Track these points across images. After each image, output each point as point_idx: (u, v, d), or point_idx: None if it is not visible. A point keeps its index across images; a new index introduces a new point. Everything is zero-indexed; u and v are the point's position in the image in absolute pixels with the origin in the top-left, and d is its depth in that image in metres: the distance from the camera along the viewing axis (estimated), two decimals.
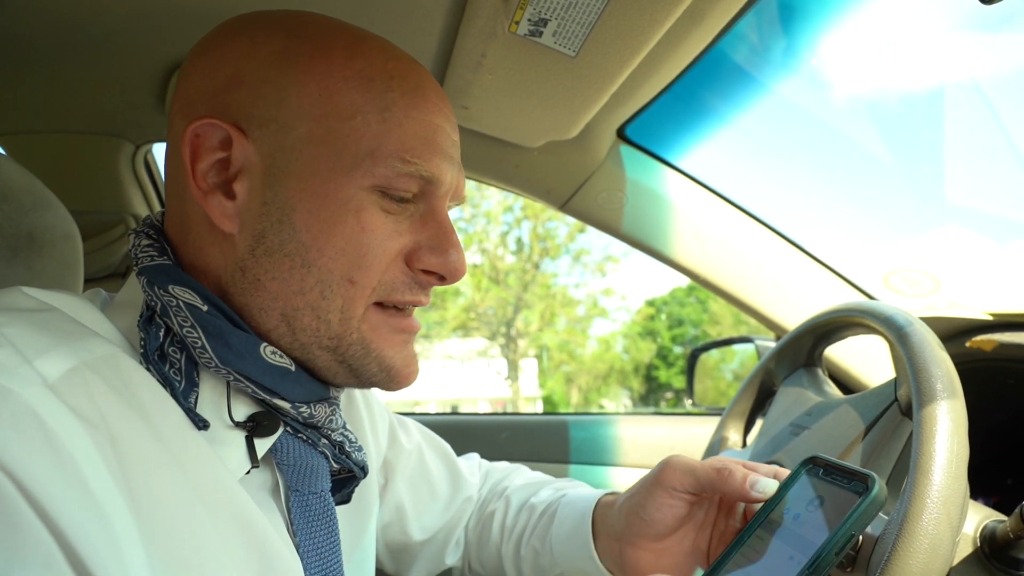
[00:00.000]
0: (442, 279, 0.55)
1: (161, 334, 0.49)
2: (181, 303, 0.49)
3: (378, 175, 0.50)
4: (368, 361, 0.54)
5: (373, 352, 0.54)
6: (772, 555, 0.51)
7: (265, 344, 0.51)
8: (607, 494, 0.74)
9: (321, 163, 0.50)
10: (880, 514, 0.59)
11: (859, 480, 0.51)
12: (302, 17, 0.53)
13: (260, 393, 0.50)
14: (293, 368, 0.52)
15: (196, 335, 0.48)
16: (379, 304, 0.54)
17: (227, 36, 0.52)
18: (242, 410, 0.51)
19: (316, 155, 0.50)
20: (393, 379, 0.56)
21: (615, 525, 0.67)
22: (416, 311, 0.58)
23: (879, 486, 0.49)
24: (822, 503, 0.52)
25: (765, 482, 0.57)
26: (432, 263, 0.54)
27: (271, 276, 0.51)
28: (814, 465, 0.56)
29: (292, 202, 0.50)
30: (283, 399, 0.52)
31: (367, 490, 0.69)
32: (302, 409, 0.53)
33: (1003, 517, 0.63)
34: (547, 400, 21.57)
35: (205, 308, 0.49)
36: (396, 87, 0.51)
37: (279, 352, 0.52)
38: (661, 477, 0.63)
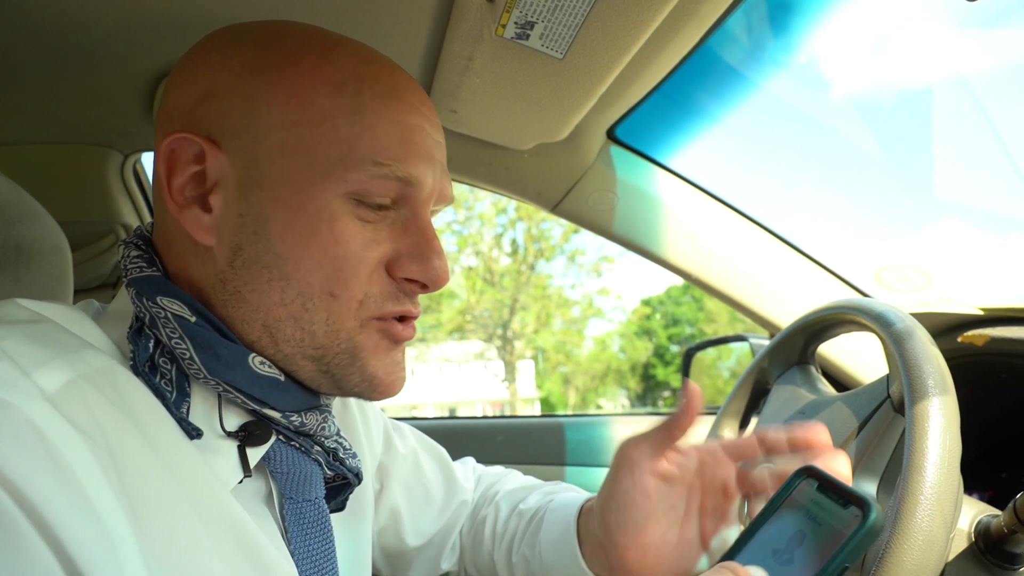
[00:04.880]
0: (424, 287, 0.54)
1: (151, 345, 0.49)
2: (169, 314, 0.49)
3: (351, 180, 0.49)
4: (352, 371, 0.53)
5: (359, 361, 0.53)
6: None
7: (254, 355, 0.51)
8: (590, 499, 0.73)
9: (293, 172, 0.49)
10: None
11: (855, 504, 0.46)
12: (275, 27, 0.53)
13: (250, 403, 0.50)
14: (282, 378, 0.52)
15: (184, 346, 0.48)
16: (378, 319, 0.53)
17: (202, 51, 0.52)
18: (233, 420, 0.51)
19: (288, 165, 0.49)
20: (376, 389, 0.54)
21: (595, 531, 0.66)
22: None
23: (876, 514, 0.45)
24: (816, 525, 0.48)
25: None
26: (413, 271, 0.52)
27: (251, 288, 0.50)
28: (810, 477, 0.51)
29: (266, 213, 0.49)
30: (273, 409, 0.51)
31: (362, 496, 0.69)
32: (293, 418, 0.53)
33: (998, 512, 0.63)
34: (544, 401, 21.58)
35: (193, 319, 0.49)
36: (367, 90, 0.50)
37: (267, 362, 0.51)
38: (617, 457, 0.61)
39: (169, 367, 0.49)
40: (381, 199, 0.51)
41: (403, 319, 0.55)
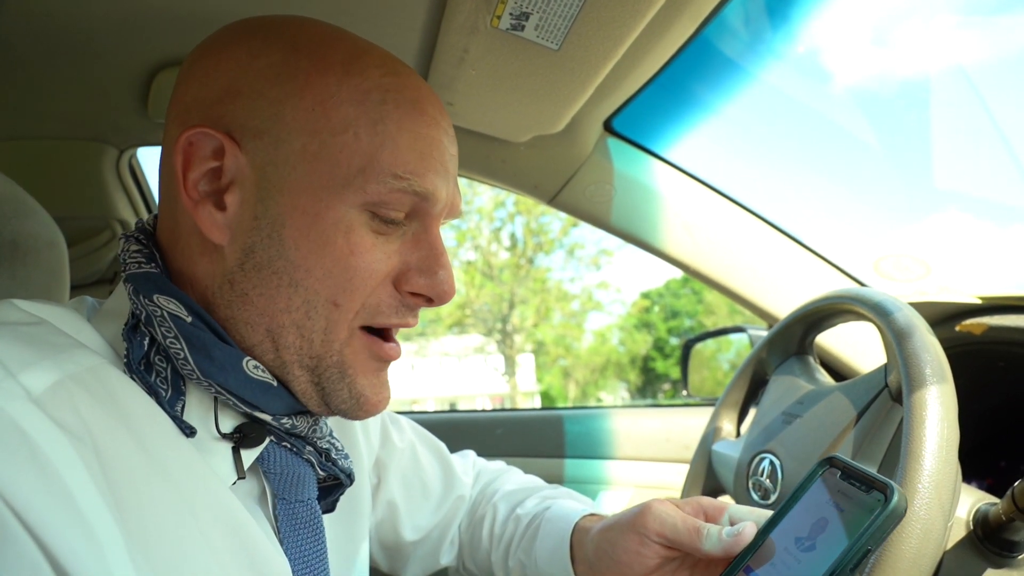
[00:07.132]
0: (429, 301, 0.54)
1: (146, 343, 0.48)
2: (165, 313, 0.48)
3: (370, 192, 0.49)
4: (341, 387, 0.53)
5: (347, 378, 0.53)
6: (784, 568, 0.48)
7: (248, 358, 0.50)
8: (586, 515, 0.73)
9: (314, 179, 0.49)
10: None
11: (878, 489, 0.47)
12: (301, 27, 0.52)
13: (241, 406, 0.50)
14: (275, 383, 0.51)
15: (179, 347, 0.48)
16: (365, 328, 0.53)
17: (225, 44, 0.52)
18: (228, 421, 0.51)
19: (309, 171, 0.49)
20: (361, 407, 0.54)
21: (588, 554, 0.66)
22: None
23: (898, 497, 0.45)
24: (839, 511, 0.48)
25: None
26: (420, 285, 0.53)
27: (259, 292, 0.50)
28: (832, 466, 0.52)
29: (283, 218, 0.49)
30: (264, 412, 0.51)
31: (359, 495, 0.69)
32: (283, 421, 0.53)
33: (996, 500, 0.63)
34: (544, 395, 21.64)
35: (189, 320, 0.48)
36: (391, 100, 0.50)
37: (261, 367, 0.51)
38: (636, 521, 0.60)
39: (164, 365, 0.48)
40: (396, 213, 0.51)
41: (387, 335, 0.55)
